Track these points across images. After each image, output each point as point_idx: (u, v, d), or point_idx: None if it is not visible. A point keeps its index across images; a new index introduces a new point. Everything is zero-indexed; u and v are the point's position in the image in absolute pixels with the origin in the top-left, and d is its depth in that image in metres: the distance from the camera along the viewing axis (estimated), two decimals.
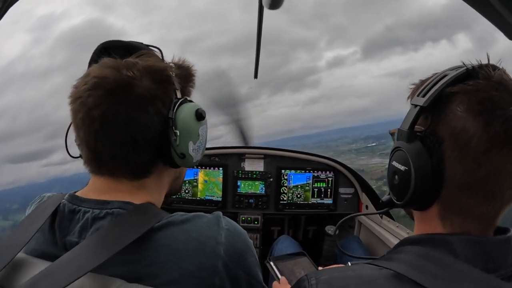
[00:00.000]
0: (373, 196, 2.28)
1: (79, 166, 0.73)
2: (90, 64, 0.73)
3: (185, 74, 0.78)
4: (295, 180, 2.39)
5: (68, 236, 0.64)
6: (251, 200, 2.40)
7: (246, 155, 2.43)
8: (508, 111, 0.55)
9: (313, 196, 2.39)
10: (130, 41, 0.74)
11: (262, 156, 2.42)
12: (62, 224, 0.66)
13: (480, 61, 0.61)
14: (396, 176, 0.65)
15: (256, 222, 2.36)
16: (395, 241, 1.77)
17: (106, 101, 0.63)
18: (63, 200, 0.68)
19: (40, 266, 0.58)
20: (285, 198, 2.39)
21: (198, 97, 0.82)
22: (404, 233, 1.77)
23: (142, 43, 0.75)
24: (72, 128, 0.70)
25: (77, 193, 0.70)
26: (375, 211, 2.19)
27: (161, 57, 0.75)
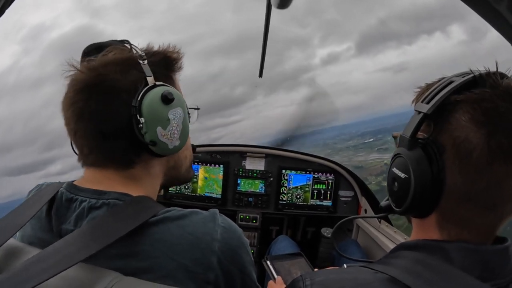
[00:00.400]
0: (372, 201, 2.27)
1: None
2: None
3: (161, 60, 0.76)
4: (295, 181, 2.39)
5: (64, 224, 0.65)
6: (250, 199, 2.40)
7: (248, 154, 2.43)
8: None
9: (312, 198, 2.38)
10: (103, 41, 0.74)
11: (264, 155, 2.42)
12: (59, 212, 0.66)
13: (488, 68, 0.59)
14: (396, 183, 0.64)
15: (254, 221, 2.36)
16: (392, 246, 1.77)
17: (77, 101, 0.67)
18: (61, 189, 0.69)
19: (32, 252, 0.58)
20: (284, 198, 2.39)
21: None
22: (401, 239, 1.77)
23: (115, 40, 0.75)
24: None
25: (74, 182, 0.71)
26: (374, 215, 2.19)
27: (129, 48, 0.73)
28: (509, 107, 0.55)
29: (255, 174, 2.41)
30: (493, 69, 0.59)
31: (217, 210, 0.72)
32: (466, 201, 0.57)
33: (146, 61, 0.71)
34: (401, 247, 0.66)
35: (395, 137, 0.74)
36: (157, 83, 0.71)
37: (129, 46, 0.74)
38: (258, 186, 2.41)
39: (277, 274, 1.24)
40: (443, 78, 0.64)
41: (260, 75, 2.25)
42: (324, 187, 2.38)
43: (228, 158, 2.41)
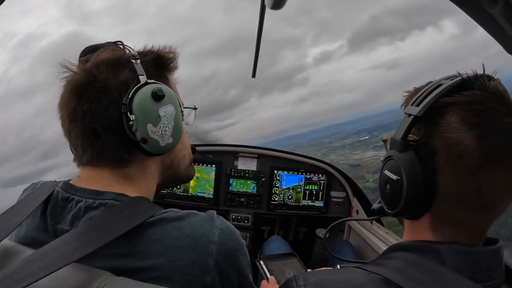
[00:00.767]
0: (364, 202, 2.29)
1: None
2: None
3: (154, 59, 0.75)
4: (287, 181, 2.39)
5: (60, 224, 0.64)
6: (242, 199, 2.39)
7: (240, 154, 2.42)
8: (503, 124, 0.55)
9: (304, 198, 2.39)
10: (98, 44, 0.75)
11: (256, 155, 2.42)
12: (54, 211, 0.66)
13: (476, 71, 0.60)
14: (388, 185, 0.64)
15: (246, 221, 2.36)
16: (384, 247, 1.79)
17: (70, 101, 0.68)
18: (57, 188, 0.68)
19: (27, 252, 0.58)
20: (276, 199, 2.39)
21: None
22: (393, 240, 1.78)
23: (109, 42, 0.76)
24: None
25: (71, 182, 0.70)
26: (365, 216, 2.20)
27: (122, 48, 0.74)
28: (499, 108, 0.55)
29: (247, 174, 2.40)
30: (480, 71, 0.60)
31: (214, 212, 0.71)
32: (459, 202, 0.58)
33: (138, 61, 0.71)
34: (394, 248, 0.66)
35: (384, 141, 0.74)
36: (149, 81, 0.71)
37: (122, 47, 0.74)
38: (250, 186, 2.40)
39: (270, 274, 1.24)
40: (431, 81, 0.65)
41: (253, 75, 2.25)
42: (316, 188, 2.39)
43: (220, 158, 2.40)
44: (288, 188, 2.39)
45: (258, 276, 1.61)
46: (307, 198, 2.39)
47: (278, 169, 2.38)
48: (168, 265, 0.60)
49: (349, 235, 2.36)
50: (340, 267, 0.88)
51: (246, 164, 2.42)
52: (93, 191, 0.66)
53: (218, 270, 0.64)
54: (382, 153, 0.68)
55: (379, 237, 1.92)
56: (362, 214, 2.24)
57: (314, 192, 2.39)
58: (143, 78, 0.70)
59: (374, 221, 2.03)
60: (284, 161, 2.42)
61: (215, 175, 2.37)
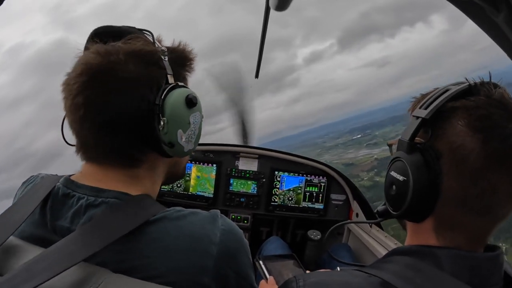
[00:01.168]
0: (364, 205, 2.29)
1: None
2: (84, 51, 0.71)
3: (180, 58, 0.74)
4: (288, 182, 2.39)
5: (59, 221, 0.63)
6: (242, 199, 2.39)
7: (241, 154, 2.42)
8: (507, 129, 0.55)
9: (304, 200, 2.39)
10: (121, 26, 0.71)
11: (257, 156, 2.42)
12: (54, 207, 0.65)
13: (482, 78, 0.62)
14: (394, 186, 0.65)
15: (245, 222, 2.37)
16: (383, 251, 1.79)
17: (89, 87, 0.62)
18: (58, 184, 0.67)
19: (30, 250, 0.58)
20: (276, 200, 2.39)
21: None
22: (392, 244, 1.78)
23: (134, 27, 0.72)
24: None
25: (72, 177, 0.69)
26: (365, 219, 2.20)
27: (152, 41, 0.70)
28: (503, 114, 0.57)
29: (247, 175, 2.40)
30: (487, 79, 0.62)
31: (218, 212, 0.70)
32: (462, 206, 0.58)
33: (167, 58, 0.69)
34: (394, 252, 0.67)
35: (390, 145, 0.75)
36: (179, 83, 0.69)
37: (151, 38, 0.71)
38: (250, 187, 2.41)
39: (269, 274, 1.24)
40: (437, 88, 0.66)
41: (257, 75, 2.25)
42: (316, 190, 2.39)
43: (221, 157, 2.40)
44: (289, 190, 2.39)
45: (256, 276, 1.61)
46: (307, 200, 2.39)
47: (278, 170, 2.39)
48: (166, 265, 0.59)
49: (348, 238, 2.36)
50: (340, 269, 0.88)
51: (247, 165, 2.42)
52: (94, 188, 0.65)
53: (217, 271, 0.63)
54: (376, 151, 0.69)
55: (378, 241, 1.92)
56: (362, 217, 2.24)
57: (315, 194, 2.39)
58: (171, 78, 0.68)
59: (373, 225, 2.03)
60: (284, 163, 2.42)
61: (216, 174, 2.37)
